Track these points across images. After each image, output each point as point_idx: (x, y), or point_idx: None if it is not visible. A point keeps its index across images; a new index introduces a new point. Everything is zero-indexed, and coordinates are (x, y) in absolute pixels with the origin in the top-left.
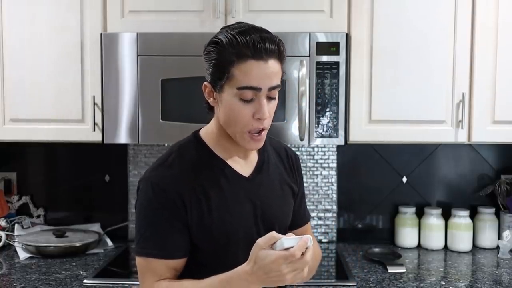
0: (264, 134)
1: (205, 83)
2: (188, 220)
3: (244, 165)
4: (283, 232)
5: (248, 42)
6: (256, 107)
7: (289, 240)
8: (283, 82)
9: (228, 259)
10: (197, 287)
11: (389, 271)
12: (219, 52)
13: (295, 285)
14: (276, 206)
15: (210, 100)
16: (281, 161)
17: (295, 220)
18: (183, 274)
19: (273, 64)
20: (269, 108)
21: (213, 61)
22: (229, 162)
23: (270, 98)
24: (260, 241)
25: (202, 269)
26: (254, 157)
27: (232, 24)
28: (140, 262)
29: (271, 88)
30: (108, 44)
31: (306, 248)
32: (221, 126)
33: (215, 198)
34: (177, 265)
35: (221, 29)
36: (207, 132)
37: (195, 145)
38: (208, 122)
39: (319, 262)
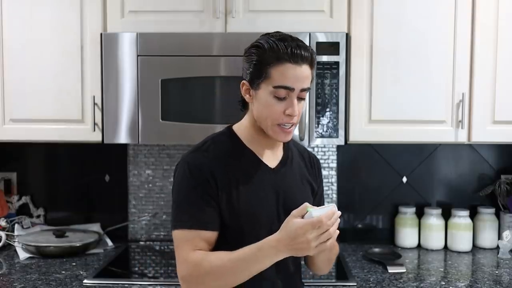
0: (293, 128)
1: (243, 81)
2: (219, 198)
3: (271, 158)
4: None
5: (286, 48)
6: (288, 104)
7: (317, 210)
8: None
9: (251, 238)
10: (230, 256)
11: (389, 271)
12: (260, 55)
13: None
14: (297, 196)
15: (246, 97)
16: (303, 161)
17: None
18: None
19: (306, 69)
20: (298, 107)
21: (254, 62)
22: (258, 154)
23: (300, 99)
24: (294, 211)
25: (227, 246)
26: (279, 153)
27: (272, 33)
28: (176, 234)
29: (302, 90)
30: (108, 44)
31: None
32: (254, 121)
33: (243, 183)
34: (210, 238)
35: (262, 36)
36: (240, 127)
37: (229, 137)
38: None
39: (336, 255)
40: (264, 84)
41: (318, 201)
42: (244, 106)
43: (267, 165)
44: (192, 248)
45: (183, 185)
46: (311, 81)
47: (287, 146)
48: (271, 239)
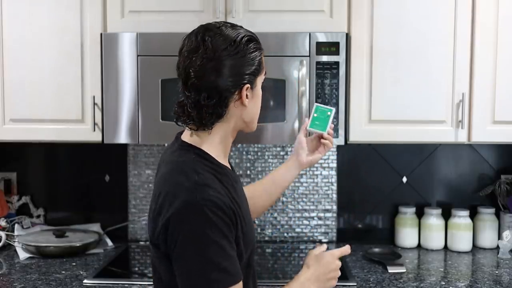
0: None
1: (247, 85)
2: (236, 236)
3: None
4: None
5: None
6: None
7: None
8: (283, 81)
9: (249, 259)
10: None
11: (389, 271)
12: (260, 49)
13: None
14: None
15: (247, 101)
16: None
17: None
18: None
19: None
20: None
21: (258, 59)
22: (228, 166)
23: None
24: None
25: None
26: None
27: (227, 24)
28: None
29: None
30: (108, 44)
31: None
32: (231, 130)
33: (241, 205)
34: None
35: (235, 30)
36: (212, 144)
37: (208, 160)
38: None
39: None
40: (259, 78)
41: None
42: (216, 117)
43: (238, 176)
44: None
45: (209, 234)
46: None
47: None
48: (301, 278)
